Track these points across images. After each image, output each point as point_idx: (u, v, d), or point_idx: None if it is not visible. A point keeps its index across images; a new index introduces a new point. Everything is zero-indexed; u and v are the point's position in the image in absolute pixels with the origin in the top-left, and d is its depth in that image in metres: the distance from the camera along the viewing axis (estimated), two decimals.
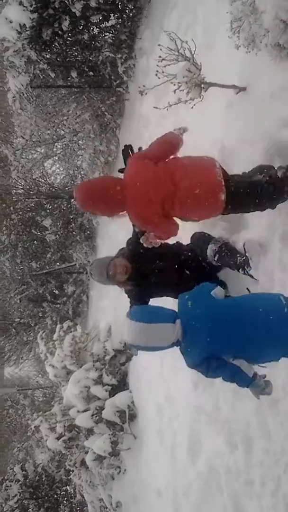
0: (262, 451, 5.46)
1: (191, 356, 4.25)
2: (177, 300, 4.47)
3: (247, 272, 5.53)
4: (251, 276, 5.55)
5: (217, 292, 4.39)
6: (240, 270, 5.61)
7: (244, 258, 5.57)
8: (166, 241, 5.70)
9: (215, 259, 5.71)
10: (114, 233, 14.84)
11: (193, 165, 4.94)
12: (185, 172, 4.84)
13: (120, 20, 12.96)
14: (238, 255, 5.64)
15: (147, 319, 4.16)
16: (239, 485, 5.86)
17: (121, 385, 10.84)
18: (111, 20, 12.90)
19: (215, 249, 5.70)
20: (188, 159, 5.05)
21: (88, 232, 19.83)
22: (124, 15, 13.03)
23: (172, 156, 5.15)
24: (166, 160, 5.07)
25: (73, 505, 15.32)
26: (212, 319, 4.13)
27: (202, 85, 6.15)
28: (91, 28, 12.91)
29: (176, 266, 6.00)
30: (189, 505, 7.11)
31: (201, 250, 5.91)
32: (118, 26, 12.95)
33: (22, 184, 19.47)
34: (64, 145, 21.33)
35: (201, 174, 4.85)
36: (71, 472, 12.98)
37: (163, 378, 8.39)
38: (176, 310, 4.31)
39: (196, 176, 4.82)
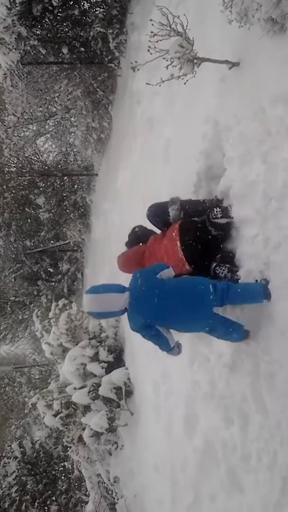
0: (258, 426, 5.50)
1: (134, 322, 5.50)
2: None
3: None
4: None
5: (165, 273, 5.58)
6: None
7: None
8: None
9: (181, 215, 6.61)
10: (108, 211, 14.83)
11: (167, 246, 6.40)
12: (164, 252, 6.41)
13: None
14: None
15: (99, 291, 5.48)
16: (236, 460, 5.91)
17: (117, 362, 10.89)
18: None
19: (178, 207, 6.62)
20: (166, 239, 6.50)
21: (82, 210, 19.78)
22: None
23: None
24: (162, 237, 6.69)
25: (71, 481, 15.44)
26: (153, 296, 5.32)
27: (195, 61, 6.08)
28: (82, 3, 12.79)
29: None
30: (186, 480, 7.16)
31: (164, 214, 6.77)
32: (109, 0, 12.80)
33: (15, 162, 19.36)
34: (56, 122, 21.18)
35: (171, 254, 6.28)
36: (68, 449, 13.09)
37: (159, 355, 8.34)
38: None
39: (168, 256, 6.33)
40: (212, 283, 5.41)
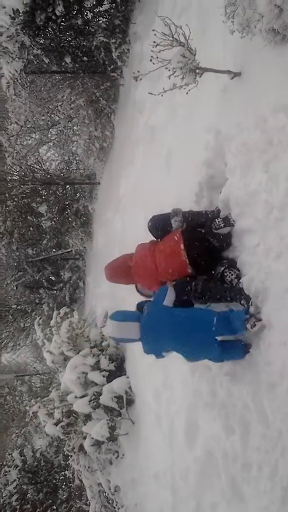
0: (259, 436, 5.49)
1: (145, 347, 6.08)
2: None
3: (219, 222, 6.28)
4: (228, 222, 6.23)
5: (169, 298, 5.99)
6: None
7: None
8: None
9: (183, 226, 6.59)
10: (110, 220, 14.84)
11: (167, 250, 6.46)
12: (163, 256, 6.48)
13: (113, 4, 12.89)
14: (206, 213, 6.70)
15: (120, 319, 6.00)
16: (237, 469, 5.90)
17: (119, 370, 10.87)
18: (104, 4, 12.83)
19: (180, 219, 6.64)
20: (163, 244, 6.57)
21: (84, 218, 19.80)
22: (117, 0, 12.95)
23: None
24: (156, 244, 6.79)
25: (71, 490, 15.35)
26: (161, 326, 5.77)
27: (197, 71, 6.11)
28: (85, 13, 12.86)
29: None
30: (187, 489, 7.15)
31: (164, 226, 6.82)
32: (112, 10, 12.87)
33: (17, 170, 19.36)
34: (59, 131, 21.22)
35: (172, 258, 6.38)
36: (69, 457, 13.04)
37: (160, 363, 8.37)
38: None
39: (168, 260, 6.44)
40: (216, 315, 5.68)
